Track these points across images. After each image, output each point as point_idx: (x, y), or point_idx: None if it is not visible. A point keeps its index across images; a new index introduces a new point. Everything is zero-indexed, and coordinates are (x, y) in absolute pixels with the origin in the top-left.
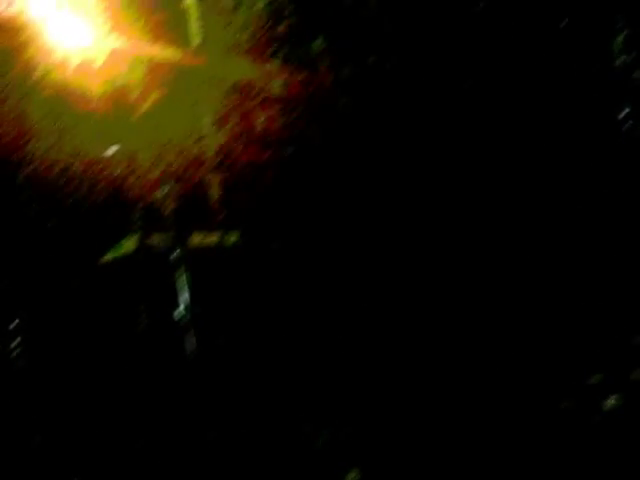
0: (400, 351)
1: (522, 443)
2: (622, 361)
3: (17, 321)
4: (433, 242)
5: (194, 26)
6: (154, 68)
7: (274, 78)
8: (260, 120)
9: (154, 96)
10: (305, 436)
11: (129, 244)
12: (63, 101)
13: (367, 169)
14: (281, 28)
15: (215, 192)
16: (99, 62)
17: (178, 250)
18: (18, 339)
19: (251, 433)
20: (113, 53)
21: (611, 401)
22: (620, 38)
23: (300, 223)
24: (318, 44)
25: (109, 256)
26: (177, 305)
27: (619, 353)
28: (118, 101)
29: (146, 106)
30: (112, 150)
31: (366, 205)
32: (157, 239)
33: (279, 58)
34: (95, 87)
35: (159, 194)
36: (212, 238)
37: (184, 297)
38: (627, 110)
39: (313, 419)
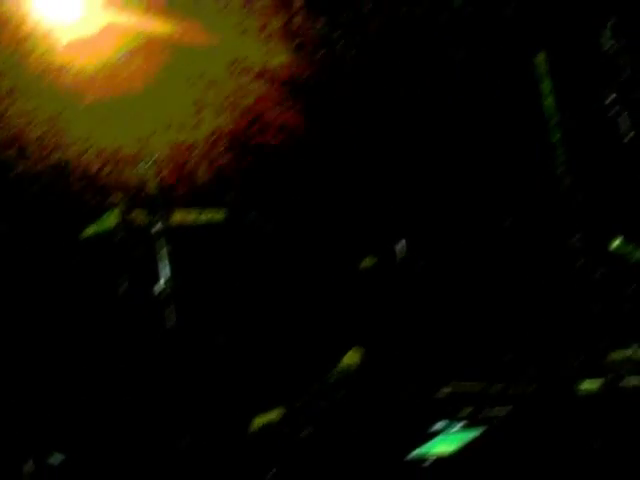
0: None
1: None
2: (598, 343)
3: None
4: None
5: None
6: (150, 45)
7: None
8: (258, 101)
9: (148, 74)
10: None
11: (110, 219)
12: (52, 80)
13: (360, 152)
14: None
15: (202, 169)
16: (92, 38)
17: (159, 225)
18: None
19: (230, 410)
20: (107, 28)
21: (586, 385)
22: (609, 25)
23: (291, 204)
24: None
25: (90, 231)
26: (158, 279)
27: (595, 335)
28: (111, 79)
29: (140, 84)
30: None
31: (359, 188)
32: (139, 215)
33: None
34: (86, 65)
35: (142, 170)
36: (195, 216)
37: (165, 271)
38: (613, 96)
39: (295, 397)
